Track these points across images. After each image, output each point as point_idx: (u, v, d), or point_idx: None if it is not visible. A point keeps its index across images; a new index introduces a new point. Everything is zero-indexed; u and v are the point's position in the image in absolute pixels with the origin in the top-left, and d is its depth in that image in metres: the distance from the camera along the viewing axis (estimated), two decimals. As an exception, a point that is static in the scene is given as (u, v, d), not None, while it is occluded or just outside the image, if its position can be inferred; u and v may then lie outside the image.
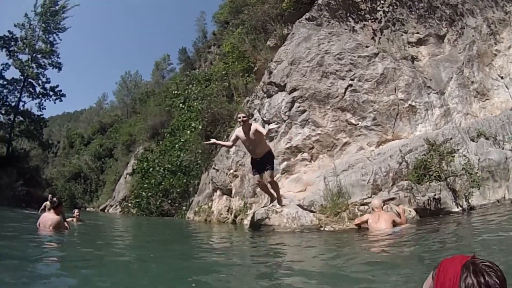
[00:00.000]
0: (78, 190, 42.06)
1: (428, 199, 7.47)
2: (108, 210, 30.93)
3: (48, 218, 7.23)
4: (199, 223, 13.09)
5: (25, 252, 4.50)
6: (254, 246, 6.37)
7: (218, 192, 13.39)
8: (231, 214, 12.14)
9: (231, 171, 12.72)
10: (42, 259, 4.16)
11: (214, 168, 13.83)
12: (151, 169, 22.49)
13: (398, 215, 6.63)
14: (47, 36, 30.07)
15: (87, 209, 36.38)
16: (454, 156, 8.03)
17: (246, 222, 10.07)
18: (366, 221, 6.55)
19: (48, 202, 8.71)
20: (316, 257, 4.72)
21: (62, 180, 44.09)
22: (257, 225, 8.04)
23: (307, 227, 7.44)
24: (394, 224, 6.22)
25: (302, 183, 9.78)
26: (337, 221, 7.55)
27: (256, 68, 14.99)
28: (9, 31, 28.58)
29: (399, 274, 3.24)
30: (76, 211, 9.39)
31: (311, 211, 8.06)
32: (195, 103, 21.55)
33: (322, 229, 7.42)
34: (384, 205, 6.91)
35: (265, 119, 11.47)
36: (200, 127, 17.31)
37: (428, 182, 7.70)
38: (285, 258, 4.78)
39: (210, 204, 13.77)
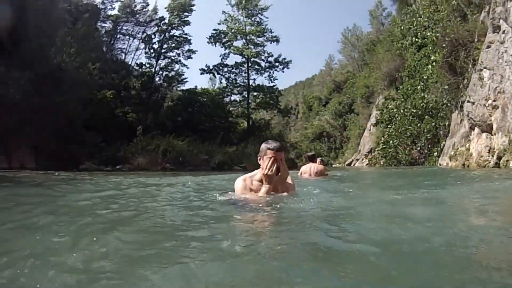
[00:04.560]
0: (323, 148, 45.92)
1: None
2: (354, 164, 31.92)
3: (311, 166, 8.81)
4: (456, 169, 11.60)
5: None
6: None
7: (476, 129, 11.67)
8: (492, 155, 10.40)
9: (489, 101, 10.76)
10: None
11: (468, 101, 12.08)
12: (396, 115, 22.16)
13: None
14: (252, 20, 33.14)
15: (333, 165, 38.43)
16: None
17: (513, 164, 8.54)
18: None
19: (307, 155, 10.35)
20: None
21: (306, 141, 48.35)
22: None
23: None
24: None
25: None
26: None
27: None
28: (214, 29, 33.18)
29: None
30: (319, 159, 9.92)
31: None
32: (428, 33, 19.50)
33: None
34: None
35: (515, 27, 9.05)
36: (440, 58, 15.50)
37: None
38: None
39: (467, 145, 12.18)
